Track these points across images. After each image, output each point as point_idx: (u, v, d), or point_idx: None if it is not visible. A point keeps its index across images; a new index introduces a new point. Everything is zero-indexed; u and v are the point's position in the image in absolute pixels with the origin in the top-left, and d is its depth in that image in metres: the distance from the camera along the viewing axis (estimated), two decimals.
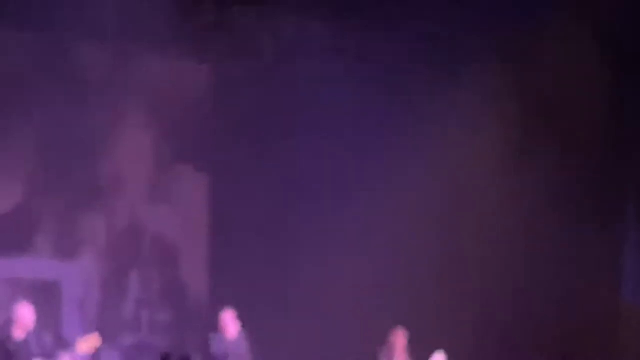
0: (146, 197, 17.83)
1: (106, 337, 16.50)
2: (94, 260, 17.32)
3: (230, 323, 13.33)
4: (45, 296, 16.62)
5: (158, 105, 17.58)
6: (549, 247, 16.53)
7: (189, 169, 17.99)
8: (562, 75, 16.23)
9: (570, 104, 16.32)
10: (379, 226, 16.38)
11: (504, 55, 16.40)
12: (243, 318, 13.42)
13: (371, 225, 16.43)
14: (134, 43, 16.53)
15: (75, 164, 16.91)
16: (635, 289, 17.22)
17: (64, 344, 15.68)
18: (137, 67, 17.28)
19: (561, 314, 16.33)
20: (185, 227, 18.01)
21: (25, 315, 13.32)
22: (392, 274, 16.47)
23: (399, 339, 14.36)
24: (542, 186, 16.34)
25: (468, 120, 16.55)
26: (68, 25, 15.62)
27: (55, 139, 16.57)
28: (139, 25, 15.71)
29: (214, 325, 13.47)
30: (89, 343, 13.61)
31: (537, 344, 16.04)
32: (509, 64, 16.40)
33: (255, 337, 13.44)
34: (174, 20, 16.12)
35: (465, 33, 16.18)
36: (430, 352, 14.35)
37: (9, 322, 13.58)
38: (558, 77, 16.24)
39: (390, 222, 16.28)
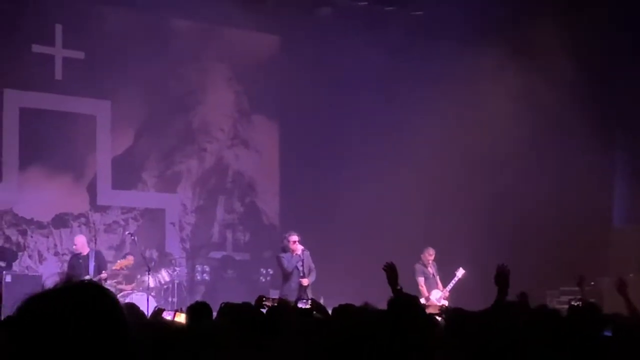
0: (229, 141, 18.03)
1: (199, 253, 17.39)
2: (189, 192, 17.60)
3: (296, 243, 13.28)
4: (152, 221, 17.11)
5: (238, 68, 17.86)
6: (549, 176, 16.35)
7: (263, 119, 18.26)
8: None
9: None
10: (409, 161, 16.40)
11: None
12: (306, 239, 13.60)
13: (400, 161, 16.48)
14: (218, 19, 16.69)
15: (173, 115, 17.30)
16: (623, 214, 17.14)
17: (166, 257, 16.62)
18: (221, 38, 17.55)
19: (561, 231, 16.06)
20: (260, 166, 18.24)
21: (80, 242, 14.23)
22: (420, 202, 16.62)
23: (429, 254, 14.87)
24: (543, 114, 16.02)
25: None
26: (164, 5, 15.87)
27: (157, 95, 16.91)
28: (222, 5, 15.83)
29: (284, 245, 13.48)
30: (123, 263, 14.35)
31: (540, 259, 15.93)
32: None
33: (315, 254, 13.61)
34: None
35: None
36: (454, 263, 14.77)
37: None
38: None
39: (430, 163, 16.25)
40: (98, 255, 14.17)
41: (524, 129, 16.10)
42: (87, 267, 13.81)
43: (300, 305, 8.60)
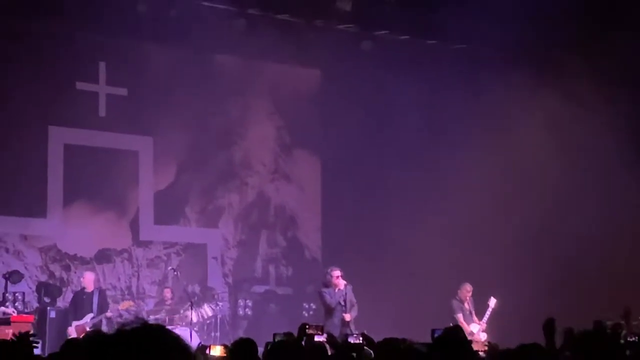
0: (270, 175, 18.02)
1: (242, 287, 17.38)
2: (231, 227, 17.58)
3: (339, 278, 13.29)
4: (194, 255, 17.11)
5: (279, 102, 17.85)
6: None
7: (304, 153, 18.23)
8: None
9: None
10: (451, 195, 16.32)
11: None
12: (349, 274, 13.60)
13: (442, 195, 16.40)
14: (259, 53, 16.67)
15: (215, 150, 17.35)
16: None
17: (208, 292, 16.60)
18: (263, 72, 17.55)
19: (608, 260, 15.59)
20: (302, 200, 18.18)
21: (88, 279, 14.71)
22: (463, 236, 16.41)
23: (466, 291, 14.77)
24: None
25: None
26: (205, 42, 15.91)
27: (199, 131, 16.98)
28: (263, 39, 15.86)
29: (326, 280, 13.49)
30: (125, 305, 15.13)
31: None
32: None
33: (357, 288, 13.58)
34: (292, 33, 16.30)
35: None
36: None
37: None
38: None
39: (470, 198, 16.15)
40: (102, 294, 14.66)
41: (567, 157, 15.96)
42: (90, 304, 14.25)
43: (351, 340, 8.75)
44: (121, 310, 15.19)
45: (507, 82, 16.11)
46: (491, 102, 16.25)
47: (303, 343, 8.05)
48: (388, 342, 6.84)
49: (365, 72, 16.92)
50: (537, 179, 16.24)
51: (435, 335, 8.52)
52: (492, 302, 14.52)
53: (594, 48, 15.65)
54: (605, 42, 15.44)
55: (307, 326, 8.56)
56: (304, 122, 17.71)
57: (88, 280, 14.54)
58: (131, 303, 15.41)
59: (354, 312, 13.24)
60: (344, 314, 13.09)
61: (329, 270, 13.59)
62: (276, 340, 8.11)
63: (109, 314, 14.41)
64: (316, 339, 8.43)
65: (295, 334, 8.40)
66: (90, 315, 14.13)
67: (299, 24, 16.62)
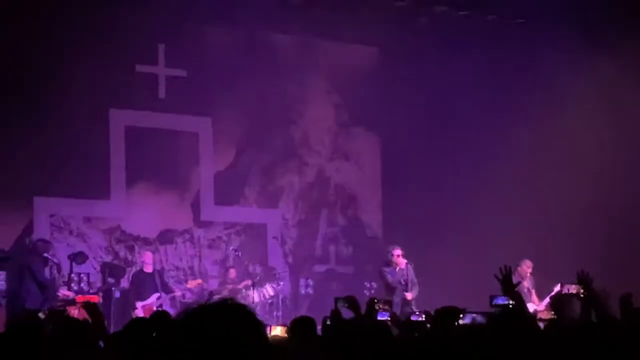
0: (330, 154, 18.06)
1: (302, 267, 17.47)
2: (291, 206, 17.65)
3: (399, 257, 13.37)
4: (254, 235, 17.23)
5: (336, 80, 17.82)
6: None
7: (363, 131, 18.16)
8: None
9: None
10: (513, 171, 16.17)
11: None
12: (409, 251, 13.61)
13: (504, 170, 16.26)
14: (316, 32, 16.72)
15: (274, 130, 17.40)
16: None
17: (269, 271, 16.73)
18: (320, 51, 17.56)
19: None
20: (362, 178, 18.12)
21: (148, 259, 14.96)
22: (527, 214, 16.30)
23: (526, 267, 14.42)
24: None
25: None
26: (262, 22, 15.99)
27: (258, 111, 17.05)
28: (320, 18, 15.82)
29: (387, 259, 13.56)
30: (194, 283, 15.43)
31: None
32: None
33: (418, 267, 13.63)
34: (348, 11, 16.24)
35: None
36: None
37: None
38: None
39: (528, 174, 16.07)
40: (161, 275, 14.85)
41: (628, 139, 15.83)
42: (153, 284, 14.50)
43: (413, 318, 8.73)
44: (190, 288, 15.39)
45: (567, 56, 15.92)
46: (550, 76, 16.07)
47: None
48: (445, 310, 6.88)
49: (423, 48, 16.79)
50: (595, 154, 16.02)
51: (494, 302, 8.55)
52: (558, 288, 13.58)
53: None
54: None
55: (375, 300, 8.57)
56: (362, 100, 17.62)
57: (148, 260, 14.71)
58: (199, 281, 15.61)
59: (415, 291, 13.23)
60: (405, 293, 13.09)
61: (390, 249, 13.59)
62: (338, 305, 8.18)
63: (177, 292, 14.66)
64: (379, 317, 8.51)
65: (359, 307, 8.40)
66: (157, 295, 14.31)
67: (355, 1, 16.60)
